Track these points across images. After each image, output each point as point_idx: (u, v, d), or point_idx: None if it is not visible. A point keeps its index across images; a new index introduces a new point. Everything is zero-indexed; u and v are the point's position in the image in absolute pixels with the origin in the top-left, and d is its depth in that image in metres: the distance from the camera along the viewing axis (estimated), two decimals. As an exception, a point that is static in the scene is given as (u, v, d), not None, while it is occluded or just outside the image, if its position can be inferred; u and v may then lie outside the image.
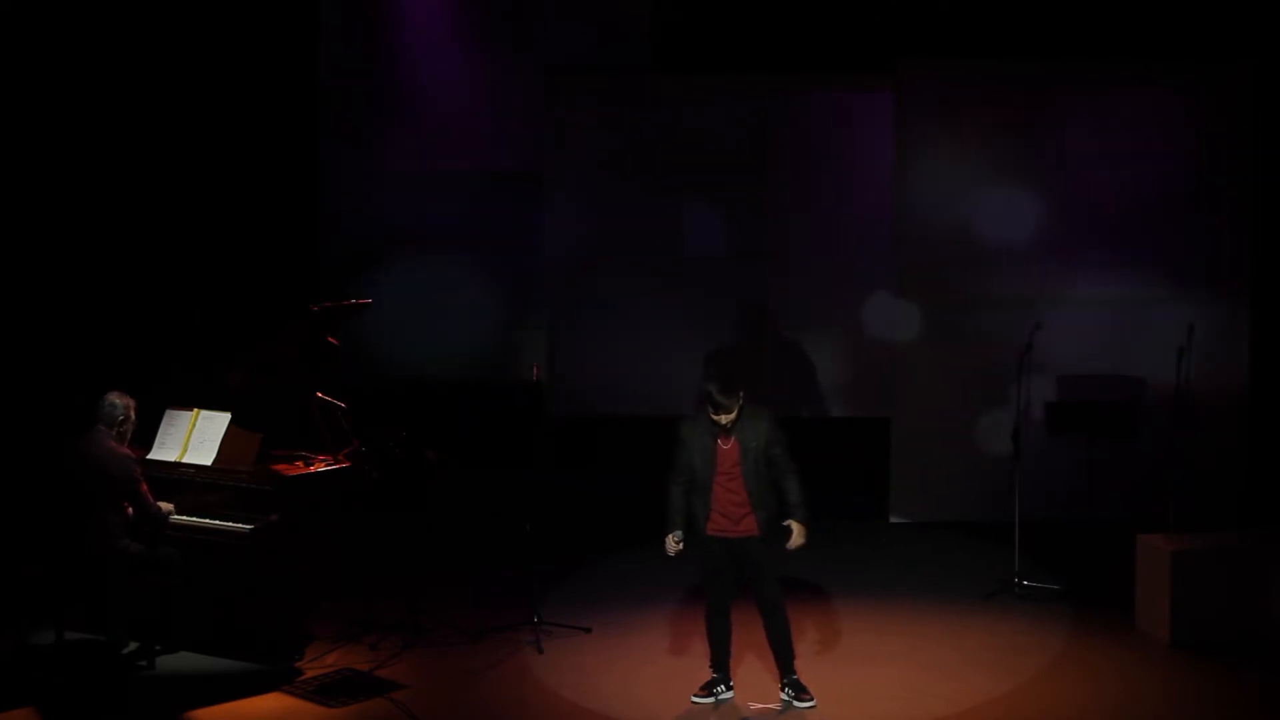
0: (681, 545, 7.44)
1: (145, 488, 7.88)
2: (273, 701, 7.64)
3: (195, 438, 8.35)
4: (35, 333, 10.23)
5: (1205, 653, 8.33)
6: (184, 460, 8.31)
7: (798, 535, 7.42)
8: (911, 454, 11.47)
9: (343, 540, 8.47)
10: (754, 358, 11.44)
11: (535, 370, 8.99)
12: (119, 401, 7.93)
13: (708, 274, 11.66)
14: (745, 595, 7.63)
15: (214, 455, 8.25)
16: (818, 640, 8.58)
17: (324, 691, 7.73)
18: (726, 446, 7.38)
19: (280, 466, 8.28)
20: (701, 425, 7.43)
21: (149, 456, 8.32)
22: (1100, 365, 11.21)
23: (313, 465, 8.34)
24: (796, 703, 7.57)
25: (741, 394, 7.31)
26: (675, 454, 7.51)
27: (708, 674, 7.67)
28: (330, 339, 8.50)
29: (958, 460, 11.29)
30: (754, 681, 7.85)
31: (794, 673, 7.60)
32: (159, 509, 7.94)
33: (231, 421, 8.32)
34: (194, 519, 8.14)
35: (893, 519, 11.49)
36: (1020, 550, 9.54)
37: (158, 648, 8.05)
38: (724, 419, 7.30)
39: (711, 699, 7.61)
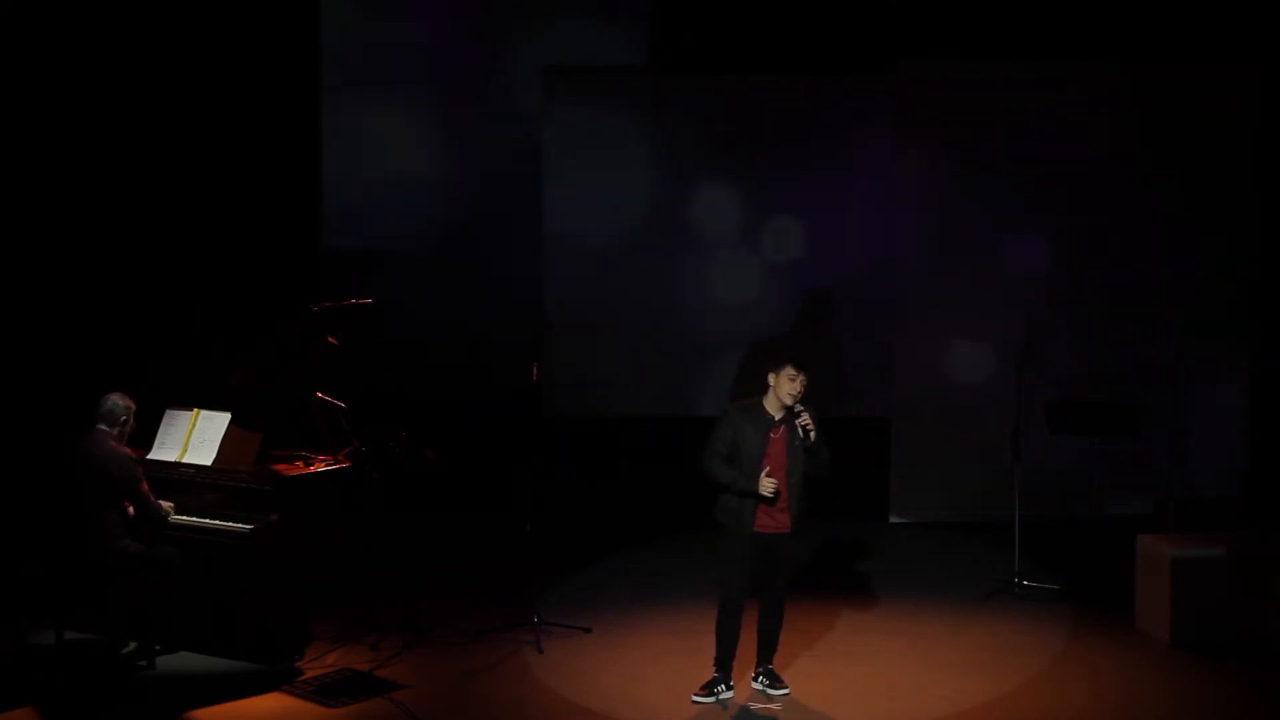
0: (775, 480, 7.36)
1: (146, 487, 7.88)
2: (273, 701, 7.64)
3: (195, 438, 8.35)
4: (35, 333, 10.22)
5: (1205, 653, 8.33)
6: (184, 460, 8.31)
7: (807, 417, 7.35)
8: (911, 454, 11.47)
9: (343, 540, 8.47)
10: (754, 358, 11.42)
11: (534, 370, 8.98)
12: (120, 402, 7.94)
13: (708, 274, 11.65)
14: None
15: (214, 455, 8.25)
16: (818, 640, 8.59)
17: (324, 691, 7.73)
18: (776, 436, 7.41)
19: (280, 466, 8.28)
20: (753, 414, 7.46)
21: (149, 456, 8.32)
22: (1100, 365, 11.21)
23: (313, 465, 8.33)
24: (770, 690, 7.70)
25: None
26: (716, 432, 7.48)
27: (709, 673, 7.68)
28: (330, 339, 8.51)
29: (958, 460, 11.31)
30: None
31: (771, 663, 7.75)
32: (160, 508, 7.94)
33: (231, 421, 8.31)
34: (194, 519, 8.14)
35: (893, 519, 11.49)
36: (1020, 550, 9.54)
37: (158, 648, 8.05)
38: (796, 389, 7.30)
39: (712, 698, 7.61)
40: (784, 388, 7.38)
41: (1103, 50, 11.25)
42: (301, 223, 11.60)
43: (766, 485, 7.34)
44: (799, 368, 7.37)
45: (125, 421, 7.94)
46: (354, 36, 11.77)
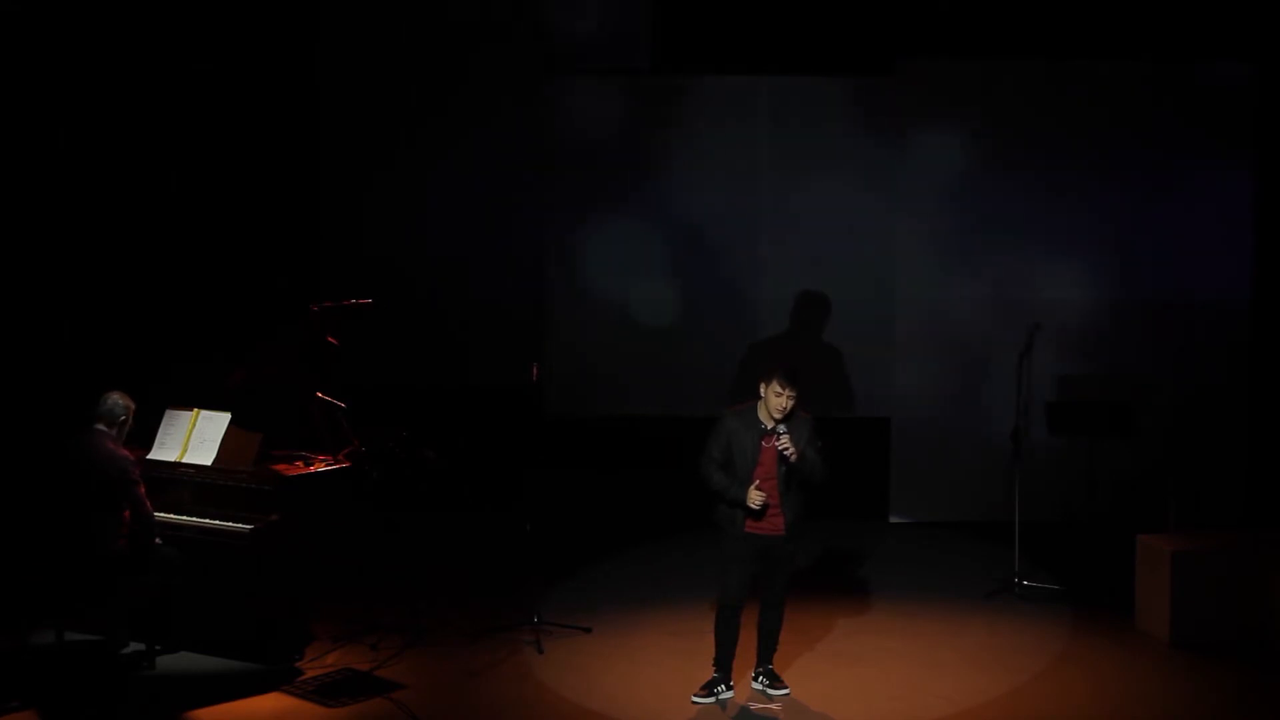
0: (763, 493, 7.36)
1: (143, 490, 7.86)
2: (273, 701, 7.64)
3: (195, 438, 8.35)
4: (35, 333, 10.23)
5: (1205, 653, 8.34)
6: (184, 460, 8.31)
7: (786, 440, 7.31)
8: (911, 454, 11.48)
9: (343, 540, 8.47)
10: (753, 358, 11.41)
11: (534, 370, 8.98)
12: (121, 402, 7.92)
13: (708, 274, 11.64)
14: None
15: (214, 455, 8.25)
16: (818, 640, 8.59)
17: (324, 691, 7.73)
18: (768, 445, 7.39)
19: (280, 466, 8.28)
20: (748, 420, 7.44)
21: (149, 456, 8.32)
22: (1100, 365, 11.22)
23: (313, 465, 8.34)
24: (770, 690, 7.72)
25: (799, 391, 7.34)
26: (712, 438, 7.48)
27: (709, 673, 7.69)
28: (330, 339, 8.51)
29: (958, 460, 11.32)
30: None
31: (770, 663, 7.77)
32: (152, 514, 7.91)
33: (231, 421, 8.32)
34: (194, 519, 8.14)
35: (893, 519, 11.50)
36: (1020, 550, 9.54)
37: (158, 648, 8.05)
38: (783, 404, 7.28)
39: (712, 698, 7.62)
40: (771, 401, 7.35)
41: (1102, 50, 11.23)
42: (302, 223, 11.59)
43: (755, 498, 7.34)
44: (787, 382, 7.29)
45: (124, 421, 7.93)
46: (352, 34, 11.74)
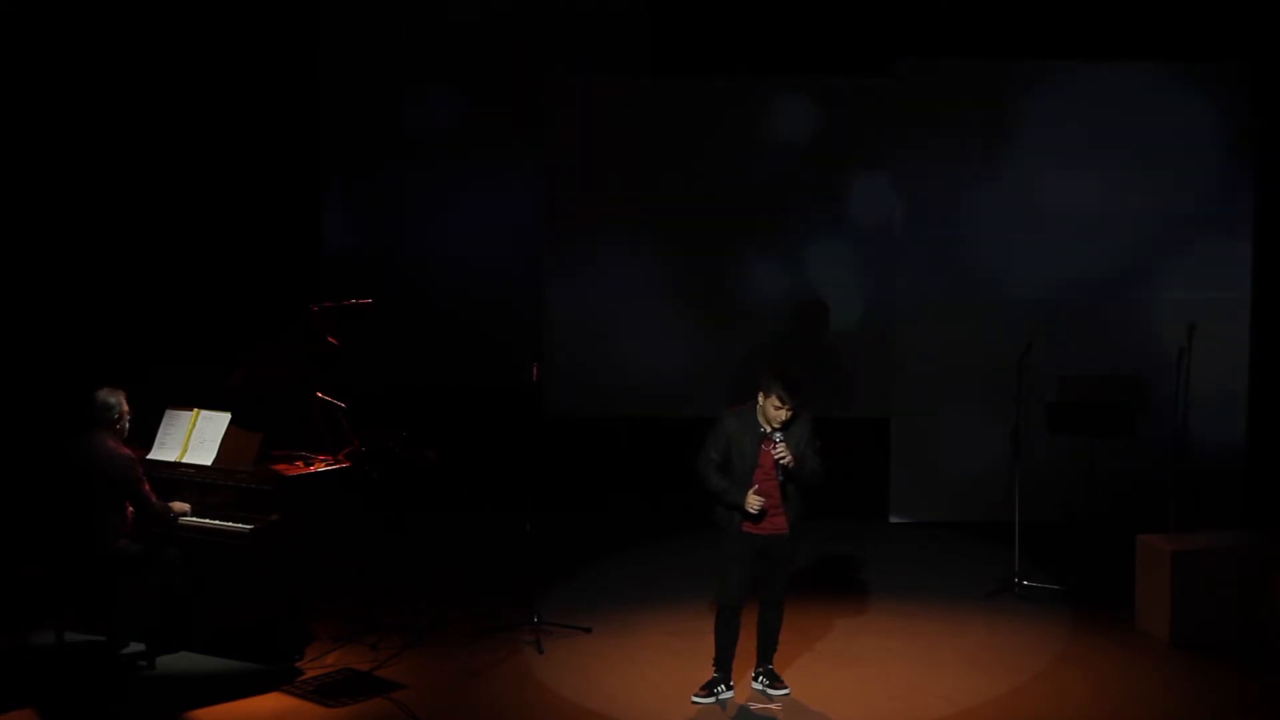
0: (761, 498, 7.34)
1: (147, 487, 7.88)
2: (273, 701, 7.64)
3: (195, 438, 8.35)
4: (35, 333, 10.23)
5: (1205, 653, 8.34)
6: (184, 460, 8.32)
7: (782, 448, 7.32)
8: (911, 454, 11.48)
9: (343, 540, 8.47)
10: (754, 359, 11.41)
11: (534, 371, 8.98)
12: (110, 398, 7.91)
13: (708, 274, 11.64)
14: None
15: (214, 455, 8.25)
16: (818, 640, 8.59)
17: (324, 691, 7.73)
18: (767, 448, 7.38)
19: (280, 466, 8.28)
20: (747, 422, 7.42)
21: (149, 456, 8.32)
22: (1100, 365, 11.21)
23: (313, 465, 8.34)
24: (770, 690, 7.72)
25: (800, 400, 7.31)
26: (711, 438, 7.47)
27: (709, 673, 7.68)
28: (330, 339, 8.51)
29: (958, 460, 11.31)
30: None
31: (770, 663, 7.77)
32: (164, 507, 7.93)
33: (231, 421, 8.32)
34: (194, 519, 8.14)
35: (893, 519, 11.50)
36: (1020, 550, 9.54)
37: (158, 647, 8.04)
38: (781, 417, 7.27)
39: (712, 698, 7.62)
40: (770, 413, 7.33)
41: (1102, 50, 11.23)
42: (302, 222, 11.59)
43: (753, 503, 7.34)
44: (787, 397, 7.26)
45: (119, 416, 7.92)
46: (352, 34, 11.74)
